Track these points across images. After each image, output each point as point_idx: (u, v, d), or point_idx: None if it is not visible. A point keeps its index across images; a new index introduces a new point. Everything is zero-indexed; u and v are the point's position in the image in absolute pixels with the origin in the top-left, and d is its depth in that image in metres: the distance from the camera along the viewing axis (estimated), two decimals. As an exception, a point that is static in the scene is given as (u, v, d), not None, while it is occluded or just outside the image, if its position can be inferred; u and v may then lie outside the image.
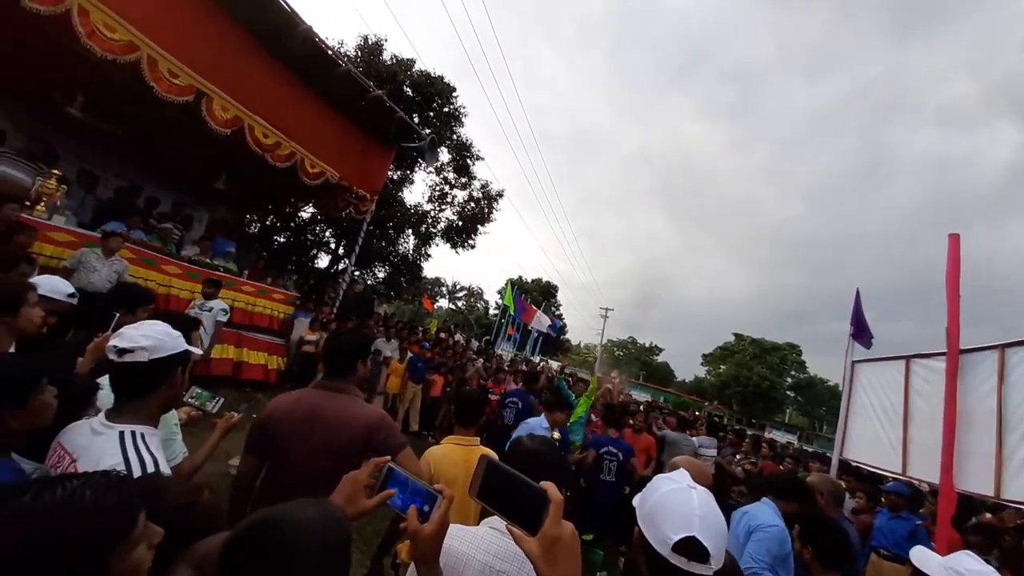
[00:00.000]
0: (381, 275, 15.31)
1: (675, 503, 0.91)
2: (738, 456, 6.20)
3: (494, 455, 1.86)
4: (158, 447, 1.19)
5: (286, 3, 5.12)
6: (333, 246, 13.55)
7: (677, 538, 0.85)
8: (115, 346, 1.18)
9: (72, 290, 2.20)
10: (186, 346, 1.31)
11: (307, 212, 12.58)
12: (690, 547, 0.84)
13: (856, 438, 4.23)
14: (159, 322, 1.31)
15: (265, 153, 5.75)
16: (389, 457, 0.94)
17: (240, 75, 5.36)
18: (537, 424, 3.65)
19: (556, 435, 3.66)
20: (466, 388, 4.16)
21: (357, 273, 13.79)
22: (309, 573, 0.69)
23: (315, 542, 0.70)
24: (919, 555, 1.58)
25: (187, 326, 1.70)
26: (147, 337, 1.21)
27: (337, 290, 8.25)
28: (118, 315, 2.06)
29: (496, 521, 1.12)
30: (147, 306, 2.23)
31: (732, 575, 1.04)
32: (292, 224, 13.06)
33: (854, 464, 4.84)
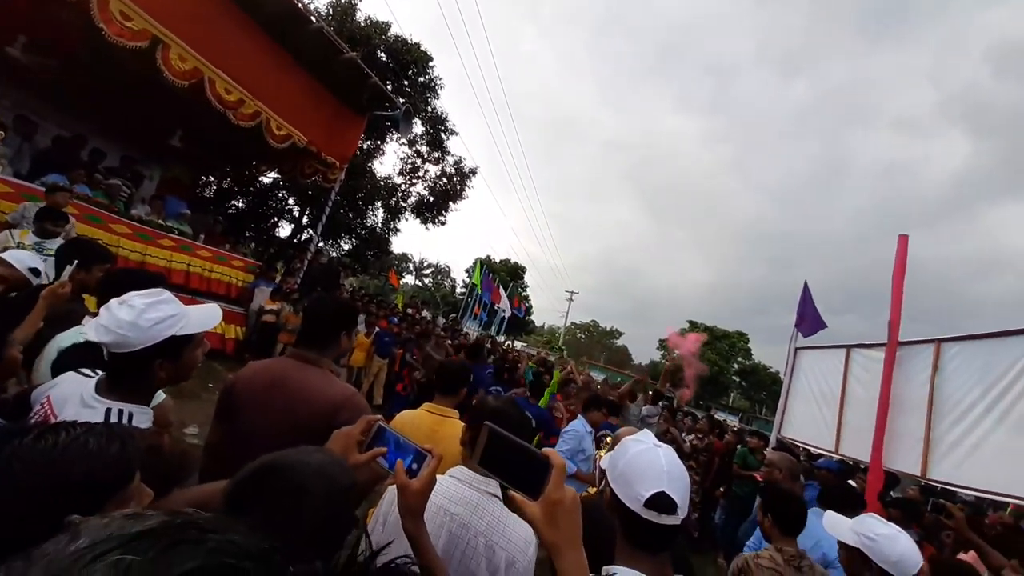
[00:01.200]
0: (347, 247, 14.86)
1: (645, 462, 0.97)
2: (690, 436, 6.59)
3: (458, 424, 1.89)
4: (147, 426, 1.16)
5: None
6: (296, 214, 12.98)
7: (649, 494, 0.91)
8: (101, 341, 1.08)
9: (35, 266, 2.04)
10: (212, 324, 1.25)
11: (268, 177, 11.93)
12: (661, 501, 0.91)
13: (794, 418, 4.59)
14: (153, 296, 1.14)
15: (227, 111, 5.37)
16: (381, 416, 0.96)
17: (202, 25, 4.95)
18: (579, 425, 3.55)
19: (608, 439, 3.22)
20: (449, 359, 4.18)
21: (322, 244, 13.32)
22: (320, 513, 0.69)
23: (324, 484, 0.71)
24: (830, 521, 1.71)
25: (153, 282, 1.58)
26: (134, 326, 1.08)
27: (302, 260, 7.94)
28: (71, 267, 1.91)
29: (460, 471, 1.17)
30: (103, 264, 2.07)
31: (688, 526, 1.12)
32: (252, 189, 12.37)
33: (788, 441, 5.24)
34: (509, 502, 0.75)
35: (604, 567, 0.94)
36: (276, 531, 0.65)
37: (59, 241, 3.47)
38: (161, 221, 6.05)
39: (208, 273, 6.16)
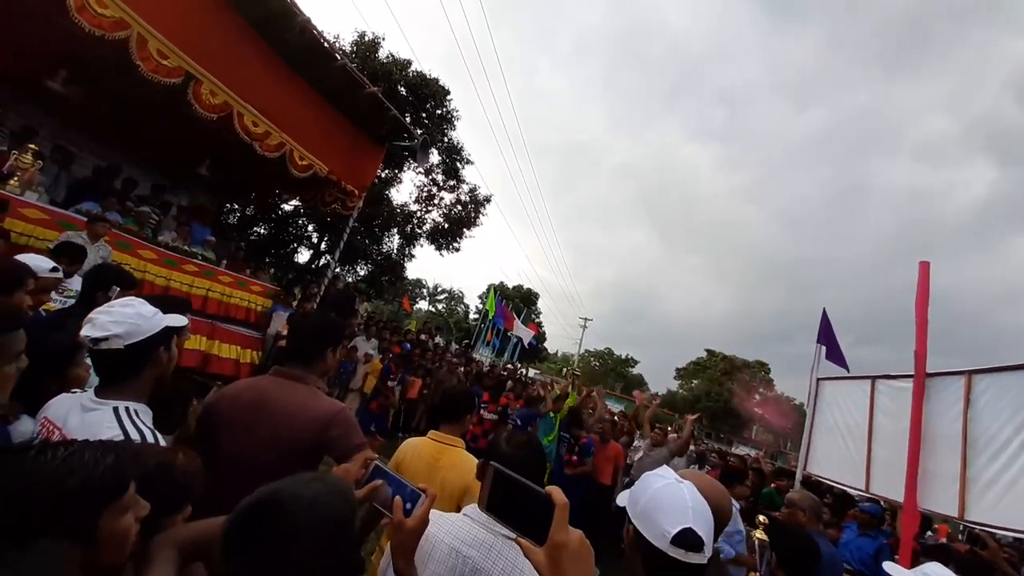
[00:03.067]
0: (363, 273, 15.11)
1: (668, 498, 0.94)
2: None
3: (471, 459, 1.83)
4: (150, 422, 1.19)
5: (285, -7, 5.07)
6: (315, 241, 13.31)
7: (675, 531, 0.88)
8: (89, 336, 1.14)
9: (53, 264, 2.11)
10: (166, 324, 1.27)
11: (289, 205, 12.34)
12: (687, 539, 0.87)
13: (820, 454, 4.38)
14: (133, 300, 1.27)
15: (254, 142, 5.63)
16: (378, 456, 0.97)
17: (233, 61, 5.26)
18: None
19: (761, 518, 2.95)
20: (454, 384, 4.11)
21: (339, 270, 13.58)
22: (317, 549, 0.67)
23: (320, 520, 0.69)
24: (891, 569, 1.63)
25: (178, 307, 1.63)
26: (119, 323, 1.16)
27: (319, 286, 8.09)
28: (98, 294, 1.98)
29: (474, 510, 1.13)
30: (129, 290, 2.14)
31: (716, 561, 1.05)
32: (273, 216, 12.78)
33: (814, 479, 4.97)
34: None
35: None
36: (273, 574, 0.64)
37: (77, 279, 3.25)
38: (186, 247, 6.26)
39: (227, 298, 6.30)
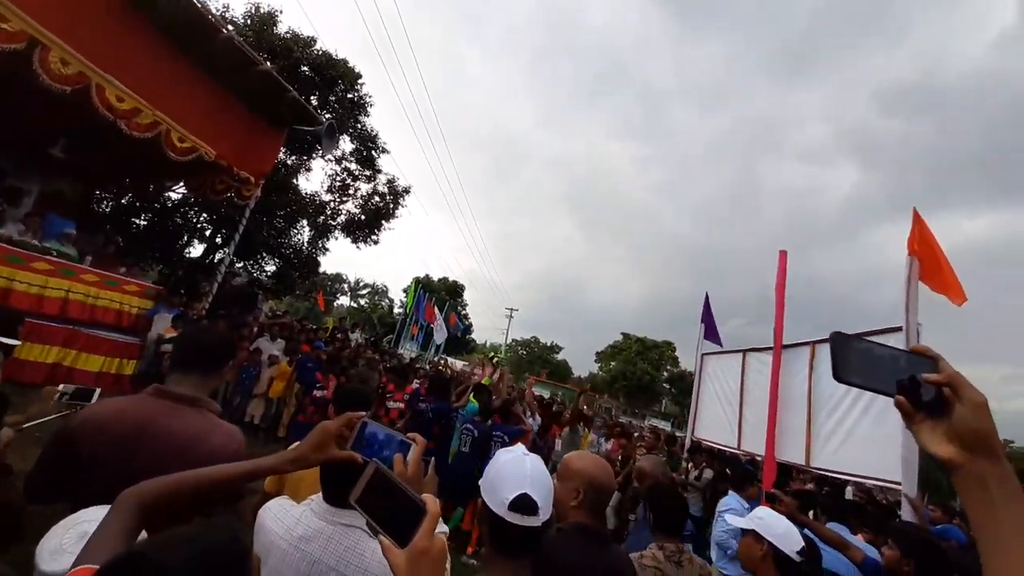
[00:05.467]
0: (270, 269, 13.96)
1: (510, 469, 1.03)
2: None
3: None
4: None
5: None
6: (209, 233, 12.02)
7: (512, 496, 0.96)
8: None
9: None
10: None
11: (176, 193, 10.99)
12: (522, 503, 0.95)
13: (705, 419, 4.96)
14: None
15: (119, 120, 4.91)
16: (364, 413, 0.96)
17: (92, 28, 4.54)
18: (734, 503, 3.33)
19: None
20: (348, 384, 3.95)
21: (240, 265, 12.42)
22: None
23: None
24: (730, 518, 1.90)
25: (8, 320, 1.39)
26: None
27: (212, 283, 7.33)
28: None
29: (317, 503, 1.13)
30: None
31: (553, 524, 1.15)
32: (157, 205, 11.30)
33: (701, 441, 5.56)
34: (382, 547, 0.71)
35: None
36: None
37: None
38: (37, 242, 5.34)
39: (92, 300, 5.48)
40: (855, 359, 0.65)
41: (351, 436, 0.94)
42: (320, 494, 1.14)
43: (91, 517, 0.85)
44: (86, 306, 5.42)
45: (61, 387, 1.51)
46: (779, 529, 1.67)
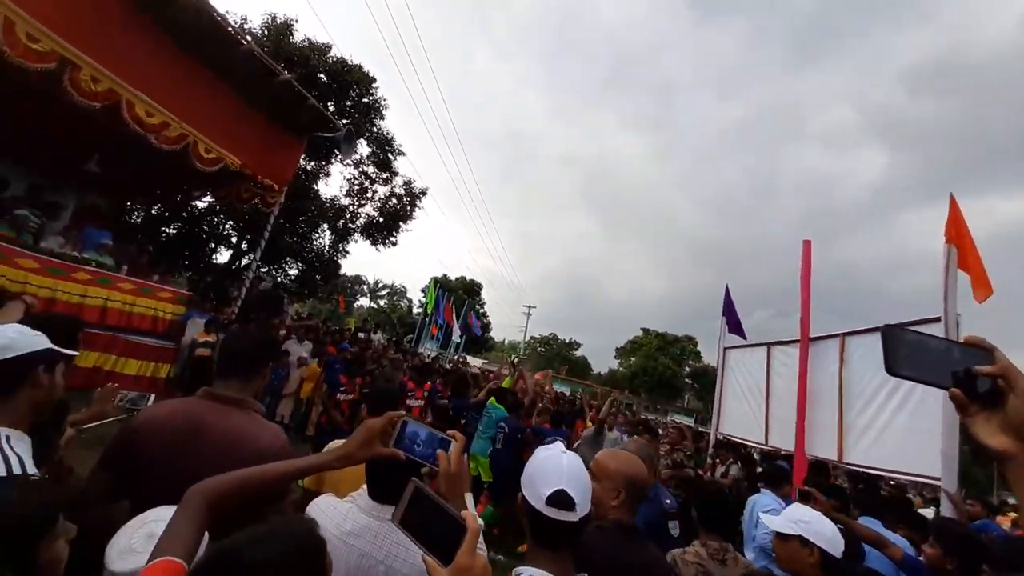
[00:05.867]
0: (293, 272, 14.30)
1: (548, 465, 1.06)
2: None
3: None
4: (26, 451, 1.12)
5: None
6: (235, 240, 12.38)
7: (549, 492, 0.99)
8: None
9: None
10: (48, 344, 1.20)
11: (203, 202, 11.35)
12: (559, 498, 0.98)
13: (729, 415, 4.87)
14: (13, 324, 1.22)
15: (148, 134, 5.11)
16: (404, 412, 1.01)
17: (120, 47, 4.73)
18: (771, 501, 3.19)
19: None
20: (381, 384, 4.06)
21: (265, 270, 12.76)
22: None
23: None
24: (766, 520, 1.82)
25: (68, 329, 1.48)
26: (21, 333, 1.16)
27: (240, 288, 7.56)
28: None
29: (362, 498, 1.16)
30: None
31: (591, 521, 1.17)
32: (184, 215, 11.69)
33: (727, 437, 5.46)
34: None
35: (515, 568, 0.99)
36: None
37: None
38: (76, 253, 5.59)
39: (129, 308, 5.73)
40: (907, 352, 0.64)
41: (393, 434, 0.98)
42: (362, 492, 1.19)
43: (159, 517, 0.92)
44: (123, 313, 5.67)
45: (120, 390, 1.60)
46: (828, 533, 1.62)
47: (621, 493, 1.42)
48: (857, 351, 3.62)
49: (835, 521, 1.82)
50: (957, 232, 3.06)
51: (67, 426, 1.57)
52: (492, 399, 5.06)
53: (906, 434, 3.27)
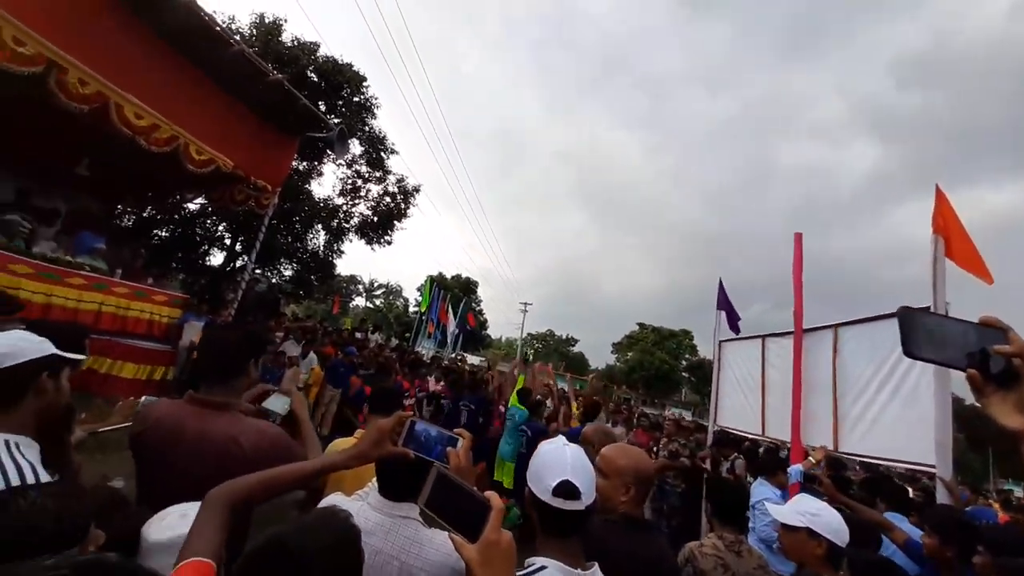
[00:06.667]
0: (288, 273, 14.24)
1: (552, 458, 1.09)
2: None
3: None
4: (36, 457, 1.13)
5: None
6: (228, 242, 12.30)
7: (555, 483, 1.02)
8: None
9: None
10: (52, 350, 1.21)
11: (196, 204, 11.27)
12: (564, 488, 1.02)
13: (726, 407, 4.91)
14: (17, 330, 1.22)
15: (138, 136, 5.06)
16: (412, 412, 1.03)
17: (108, 49, 4.68)
18: (767, 491, 3.35)
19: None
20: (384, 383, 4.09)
21: (260, 271, 12.70)
22: None
23: (324, 570, 0.73)
24: (774, 511, 1.85)
25: (75, 336, 1.48)
26: (23, 339, 1.16)
27: (236, 290, 7.52)
28: None
29: (373, 497, 1.19)
30: (9, 314, 1.88)
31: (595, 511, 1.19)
32: (177, 217, 11.61)
33: (725, 430, 5.50)
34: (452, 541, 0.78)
35: (527, 559, 1.02)
36: None
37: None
38: (70, 258, 5.55)
39: (124, 312, 5.69)
40: (924, 334, 0.65)
41: (402, 433, 1.01)
42: (372, 489, 1.22)
43: (185, 507, 1.01)
44: (118, 317, 5.63)
45: (144, 399, 1.62)
46: (835, 524, 1.64)
47: (631, 489, 1.44)
48: (850, 342, 3.65)
49: (841, 504, 1.83)
50: (945, 222, 3.09)
51: (76, 428, 1.58)
52: (514, 398, 5.12)
53: (899, 422, 3.29)
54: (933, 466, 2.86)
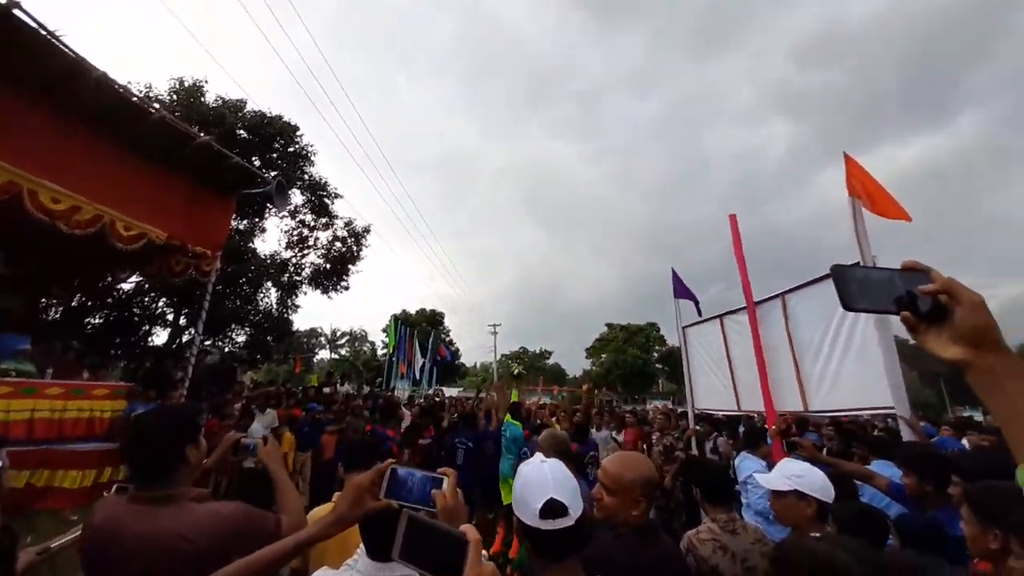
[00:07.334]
0: (242, 339, 13.53)
1: (533, 478, 1.06)
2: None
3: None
4: None
5: (69, 49, 4.37)
6: (171, 317, 11.59)
7: (539, 505, 0.99)
8: None
9: None
10: None
11: (130, 283, 10.58)
12: (552, 508, 0.99)
13: (701, 390, 5.09)
14: None
15: (57, 221, 4.72)
16: (392, 460, 0.97)
17: (16, 134, 4.39)
18: (754, 464, 3.40)
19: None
20: (359, 435, 3.92)
21: (209, 343, 12.00)
22: None
23: None
24: (763, 480, 1.91)
25: None
26: None
27: (185, 367, 7.06)
28: None
29: (362, 562, 1.12)
30: None
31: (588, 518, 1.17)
32: (111, 300, 10.83)
33: (705, 412, 5.70)
34: None
35: None
36: None
37: None
38: (-10, 365, 5.04)
39: (60, 414, 5.16)
40: (856, 287, 0.68)
41: (382, 485, 0.95)
42: (359, 555, 1.14)
43: None
44: (53, 422, 5.10)
45: (242, 438, 1.66)
46: (820, 483, 1.70)
47: (642, 502, 1.39)
48: (797, 306, 3.91)
49: (822, 463, 1.93)
50: (859, 182, 3.41)
51: (20, 555, 1.42)
52: (508, 416, 5.06)
53: (856, 374, 3.51)
54: (892, 407, 3.07)
